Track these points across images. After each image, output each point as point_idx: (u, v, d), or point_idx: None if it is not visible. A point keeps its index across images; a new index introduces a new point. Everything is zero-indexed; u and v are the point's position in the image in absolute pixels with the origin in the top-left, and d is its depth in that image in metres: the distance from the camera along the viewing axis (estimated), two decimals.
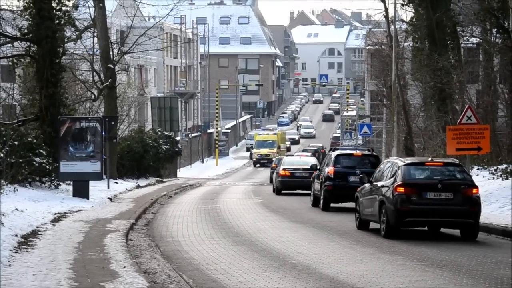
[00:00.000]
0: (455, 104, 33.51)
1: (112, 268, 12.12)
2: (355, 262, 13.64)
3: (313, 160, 34.17)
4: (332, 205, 24.29)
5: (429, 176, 17.03)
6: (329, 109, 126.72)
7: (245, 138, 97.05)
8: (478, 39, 35.51)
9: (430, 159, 18.75)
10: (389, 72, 37.38)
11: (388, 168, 17.98)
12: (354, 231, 18.27)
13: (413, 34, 36.21)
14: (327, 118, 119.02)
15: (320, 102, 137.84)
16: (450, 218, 16.80)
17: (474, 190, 16.84)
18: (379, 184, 17.85)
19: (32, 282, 10.80)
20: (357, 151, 26.74)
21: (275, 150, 72.01)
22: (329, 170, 24.31)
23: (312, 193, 26.18)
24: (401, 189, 16.71)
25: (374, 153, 25.60)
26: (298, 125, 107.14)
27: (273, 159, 61.96)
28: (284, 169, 32.93)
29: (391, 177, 17.36)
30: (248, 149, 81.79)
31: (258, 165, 71.73)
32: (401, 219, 16.73)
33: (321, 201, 24.32)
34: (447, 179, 16.94)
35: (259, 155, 72.52)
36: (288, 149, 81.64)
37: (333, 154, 25.05)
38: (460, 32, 34.69)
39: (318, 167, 27.14)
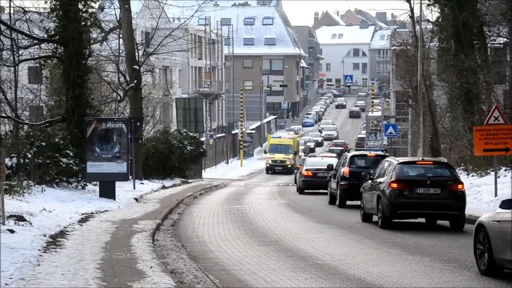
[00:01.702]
0: (482, 105, 33.26)
1: (139, 268, 12.18)
2: (382, 263, 13.59)
3: (331, 161, 34.82)
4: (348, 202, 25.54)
5: (419, 174, 18.99)
6: (356, 106, 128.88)
7: None
8: (505, 39, 35.23)
9: (421, 158, 21.42)
10: (415, 73, 37.19)
11: (386, 166, 19.89)
12: (379, 232, 18.21)
13: (439, 34, 35.99)
14: (354, 115, 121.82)
15: (343, 106, 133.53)
16: (438, 211, 18.75)
17: (460, 186, 18.75)
18: (378, 180, 19.80)
19: (61, 281, 10.88)
20: (371, 152, 29.32)
21: (291, 156, 63.74)
22: (344, 170, 25.81)
23: (328, 192, 27.67)
24: (395, 185, 18.73)
25: (387, 154, 27.67)
26: (320, 128, 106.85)
27: (289, 166, 61.07)
28: (306, 170, 34.52)
29: (387, 175, 19.28)
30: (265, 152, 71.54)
31: (270, 172, 62.87)
32: (394, 211, 18.70)
33: (337, 199, 25.83)
34: (435, 176, 18.85)
35: (273, 161, 63.72)
36: (312, 150, 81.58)
37: (348, 155, 26.78)
38: (487, 32, 34.44)
39: (334, 167, 28.51)
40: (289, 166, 62.17)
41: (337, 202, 25.81)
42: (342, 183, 25.49)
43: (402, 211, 18.70)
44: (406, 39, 45.81)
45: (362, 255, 14.48)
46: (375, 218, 19.93)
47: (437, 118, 38.59)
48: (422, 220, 19.93)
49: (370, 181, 20.74)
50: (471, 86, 32.36)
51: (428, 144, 36.02)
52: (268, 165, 64.47)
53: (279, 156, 63.59)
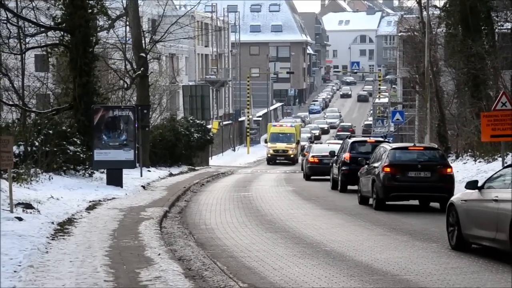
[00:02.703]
0: (489, 90, 33.18)
1: (147, 255, 12.22)
2: (389, 249, 13.60)
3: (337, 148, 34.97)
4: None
5: (411, 158, 20.21)
6: (364, 90, 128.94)
7: None
8: None
9: (413, 144, 22.91)
10: (422, 59, 37.06)
11: (380, 152, 21.09)
12: (386, 218, 18.22)
13: (446, 20, 35.88)
14: (362, 99, 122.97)
15: (348, 96, 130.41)
16: (428, 193, 19.80)
17: (448, 170, 19.93)
18: (373, 165, 20.99)
19: (69, 268, 10.93)
20: (371, 138, 30.48)
21: (293, 145, 59.48)
22: (345, 156, 26.63)
23: (331, 177, 28.51)
24: (387, 169, 19.93)
25: (386, 140, 27.84)
26: (324, 116, 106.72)
27: (291, 155, 58.06)
28: (313, 156, 35.23)
29: (381, 160, 20.49)
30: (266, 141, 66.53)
31: (271, 163, 58.34)
32: (387, 194, 19.88)
33: (339, 184, 26.58)
34: (425, 160, 20.13)
35: (275, 151, 59.11)
36: (318, 138, 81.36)
37: (349, 141, 27.65)
38: (495, 17, 34.30)
39: (336, 153, 29.15)
40: (292, 156, 58.95)
41: (339, 187, 26.55)
42: (343, 168, 26.29)
43: (395, 193, 19.86)
44: (413, 25, 45.65)
45: (370, 242, 14.49)
46: (371, 201, 20.86)
47: (444, 104, 38.51)
48: (416, 202, 20.88)
49: (366, 166, 21.87)
50: (478, 72, 32.25)
51: (435, 130, 35.96)
52: (269, 155, 59.60)
53: (280, 146, 59.21)
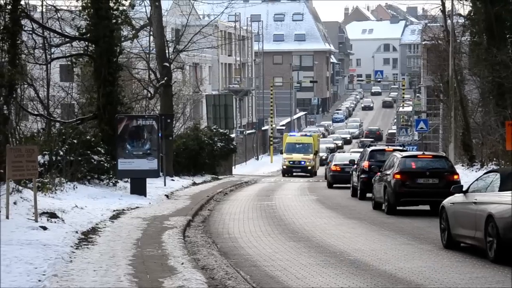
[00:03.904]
0: None
1: (171, 265, 12.23)
2: (413, 258, 13.51)
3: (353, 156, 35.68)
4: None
5: (420, 166, 21.52)
6: (389, 96, 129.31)
7: None
8: None
9: (422, 153, 24.42)
10: (446, 67, 36.88)
11: (392, 160, 22.44)
12: (410, 227, 18.10)
13: (471, 28, 35.66)
14: (387, 105, 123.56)
15: (370, 108, 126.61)
16: (436, 198, 19.84)
17: (455, 177, 21.04)
18: (385, 173, 22.26)
19: (93, 278, 10.97)
20: (389, 147, 31.32)
21: (311, 156, 54.21)
22: (364, 164, 27.35)
23: (351, 185, 29.22)
24: (398, 176, 21.25)
25: (405, 148, 29.87)
26: (346, 126, 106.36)
27: (309, 167, 53.08)
28: (335, 165, 36.13)
29: (392, 167, 21.80)
30: (281, 152, 61.38)
31: (287, 175, 52.70)
32: (398, 199, 21.19)
33: (358, 192, 27.20)
34: (434, 168, 21.46)
35: (291, 162, 53.70)
36: (340, 147, 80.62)
37: (368, 150, 28.72)
38: None
39: (355, 162, 30.01)
40: (309, 167, 53.37)
41: (358, 194, 27.16)
42: (362, 176, 26.94)
43: (405, 199, 21.16)
44: (437, 33, 45.46)
45: (394, 251, 14.41)
46: (383, 206, 21.93)
47: (469, 112, 38.24)
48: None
49: (379, 173, 23.14)
50: (503, 80, 32.01)
51: (460, 139, 35.71)
52: (284, 167, 54.05)
53: (297, 157, 53.80)
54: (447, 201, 14.82)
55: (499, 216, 12.45)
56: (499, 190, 13.03)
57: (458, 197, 14.37)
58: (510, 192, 12.54)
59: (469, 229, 13.54)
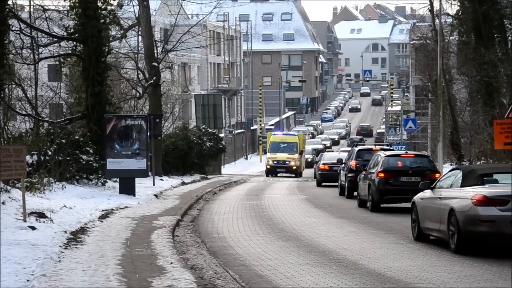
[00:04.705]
0: (502, 98, 33.05)
1: (160, 264, 12.23)
2: (402, 257, 13.56)
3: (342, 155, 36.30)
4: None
5: (403, 165, 22.34)
6: (379, 94, 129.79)
7: None
8: None
9: (405, 152, 25.60)
10: (434, 67, 36.96)
11: (376, 159, 23.03)
12: (399, 226, 18.15)
13: (459, 28, 35.78)
14: (376, 103, 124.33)
15: (358, 110, 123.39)
16: None
17: (437, 175, 21.25)
18: (370, 171, 22.88)
19: (81, 277, 10.95)
20: (376, 146, 32.08)
21: (296, 155, 51.76)
22: (351, 163, 27.67)
23: (339, 184, 29.59)
24: (382, 174, 21.95)
25: (391, 148, 30.79)
26: (332, 127, 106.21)
27: (294, 167, 50.90)
28: (324, 164, 36.66)
29: (376, 166, 22.40)
30: (265, 152, 58.85)
31: (271, 175, 50.48)
32: (381, 197, 21.90)
33: (346, 191, 27.55)
34: (416, 166, 22.24)
35: (275, 162, 51.36)
36: (328, 147, 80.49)
37: (355, 149, 29.23)
38: (508, 25, 34.18)
39: (343, 161, 30.37)
40: (294, 167, 51.03)
41: (345, 193, 27.47)
42: (349, 175, 27.19)
43: (388, 196, 21.87)
44: (426, 33, 45.55)
45: (382, 250, 14.45)
46: (368, 204, 22.65)
47: (457, 112, 38.36)
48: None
49: (364, 172, 23.73)
50: (491, 79, 32.15)
51: (448, 138, 35.83)
52: (268, 166, 51.64)
53: (281, 156, 51.54)
54: (417, 197, 15.84)
55: (460, 210, 13.52)
56: (461, 186, 14.25)
57: (426, 193, 15.43)
58: (470, 188, 13.82)
59: (435, 222, 14.60)
